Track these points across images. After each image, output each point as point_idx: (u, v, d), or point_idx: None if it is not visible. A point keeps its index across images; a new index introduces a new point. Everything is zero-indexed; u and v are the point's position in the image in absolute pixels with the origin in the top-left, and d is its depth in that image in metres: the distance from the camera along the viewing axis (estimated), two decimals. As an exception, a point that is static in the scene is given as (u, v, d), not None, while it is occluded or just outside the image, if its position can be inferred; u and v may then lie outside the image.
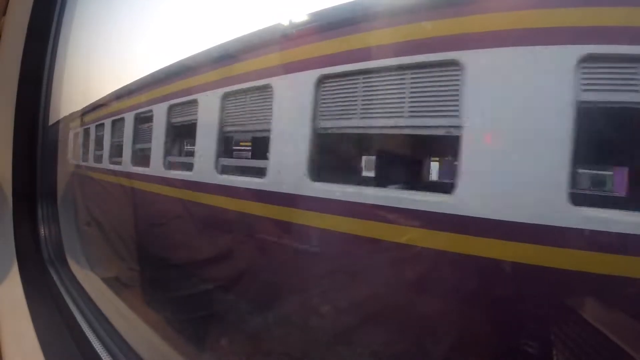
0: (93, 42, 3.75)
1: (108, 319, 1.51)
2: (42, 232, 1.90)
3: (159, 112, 4.37)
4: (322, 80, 2.64)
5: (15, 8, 1.56)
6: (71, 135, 6.42)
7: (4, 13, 1.57)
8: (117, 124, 5.53)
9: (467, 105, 2.02)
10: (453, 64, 2.09)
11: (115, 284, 3.01)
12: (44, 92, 1.80)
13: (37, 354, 1.14)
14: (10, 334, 1.27)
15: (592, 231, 1.67)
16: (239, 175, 3.30)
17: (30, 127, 1.76)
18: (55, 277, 1.76)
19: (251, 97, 3.24)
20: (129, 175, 4.87)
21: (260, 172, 3.02)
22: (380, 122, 2.44)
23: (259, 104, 3.15)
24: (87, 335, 1.31)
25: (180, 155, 4.49)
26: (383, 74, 2.40)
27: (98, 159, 6.03)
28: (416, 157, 4.48)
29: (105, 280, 2.63)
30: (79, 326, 1.37)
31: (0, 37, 1.59)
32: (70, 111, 5.62)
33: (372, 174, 4.12)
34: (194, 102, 3.82)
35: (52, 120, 2.01)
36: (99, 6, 3.82)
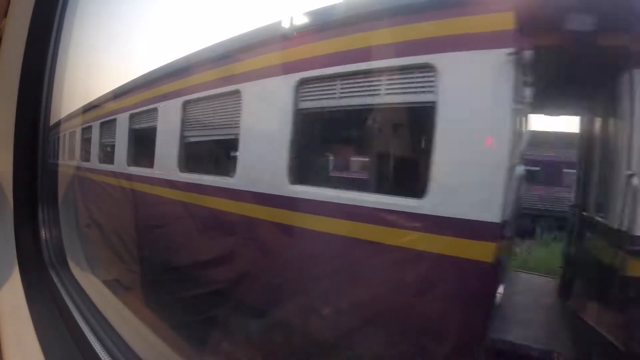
0: (94, 42, 3.74)
1: (109, 321, 1.51)
2: (43, 234, 1.89)
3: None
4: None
5: (17, 10, 1.56)
6: (72, 134, 6.37)
7: (5, 15, 1.57)
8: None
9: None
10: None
11: (116, 286, 3.01)
12: (45, 93, 1.80)
13: (38, 356, 1.13)
14: (11, 336, 1.27)
15: None
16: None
17: (31, 128, 1.76)
18: (56, 279, 1.76)
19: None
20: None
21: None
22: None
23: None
24: (88, 337, 1.30)
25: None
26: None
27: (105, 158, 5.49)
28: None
29: (106, 283, 2.62)
30: (80, 328, 1.36)
31: (1, 39, 1.59)
32: (72, 111, 5.53)
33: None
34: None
35: (53, 121, 2.01)
36: (100, 7, 3.82)
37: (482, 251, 1.90)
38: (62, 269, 1.89)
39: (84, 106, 5.52)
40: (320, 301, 2.36)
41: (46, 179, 2.02)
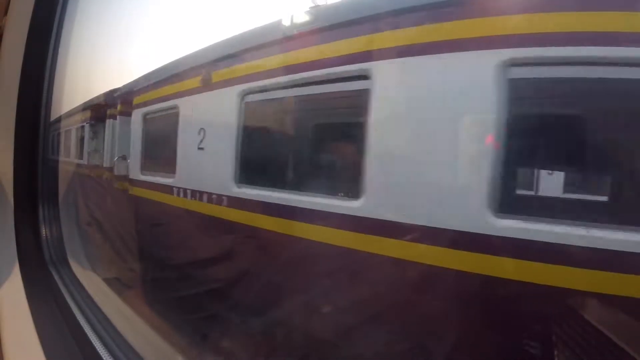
0: (94, 40, 3.73)
1: (109, 319, 1.51)
2: (44, 232, 1.90)
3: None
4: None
5: (17, 7, 1.56)
6: (72, 132, 6.57)
7: (6, 13, 1.57)
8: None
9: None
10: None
11: (117, 284, 3.01)
12: (45, 90, 1.80)
13: (39, 355, 1.13)
14: (12, 334, 1.27)
15: None
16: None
17: (31, 126, 1.75)
18: (56, 278, 1.76)
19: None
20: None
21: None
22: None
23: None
24: (89, 335, 1.31)
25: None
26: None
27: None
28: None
29: (107, 281, 2.63)
30: (81, 326, 1.37)
31: (2, 36, 1.58)
32: (72, 109, 5.73)
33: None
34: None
35: (53, 118, 2.01)
36: (100, 5, 3.81)
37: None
38: (63, 267, 1.89)
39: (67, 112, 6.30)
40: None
41: (46, 176, 2.02)
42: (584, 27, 1.49)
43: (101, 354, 1.20)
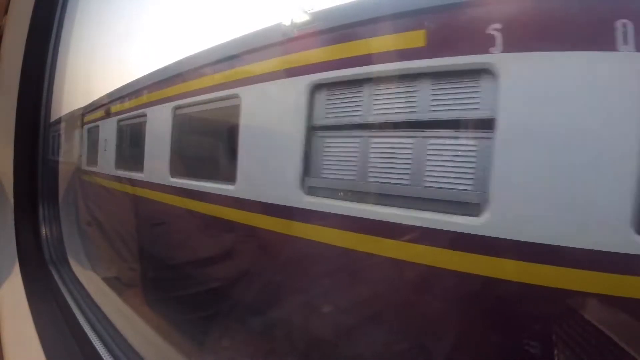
0: (94, 40, 3.75)
1: (109, 318, 1.51)
2: (44, 232, 1.90)
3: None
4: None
5: (17, 7, 1.56)
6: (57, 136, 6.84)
7: (6, 12, 1.57)
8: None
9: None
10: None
11: (117, 283, 3.01)
12: (45, 90, 1.80)
13: (39, 354, 1.14)
14: (12, 334, 1.27)
15: None
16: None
17: (31, 125, 1.76)
18: (56, 277, 1.76)
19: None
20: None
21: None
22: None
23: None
24: (89, 335, 1.31)
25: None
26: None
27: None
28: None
29: (107, 280, 2.63)
30: (81, 326, 1.37)
31: (2, 36, 1.58)
32: (72, 109, 5.83)
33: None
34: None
35: (53, 118, 2.01)
36: (100, 5, 3.82)
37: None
38: (63, 266, 1.90)
39: (85, 105, 7.04)
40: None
41: (46, 176, 2.02)
42: (194, 88, 3.52)
43: (101, 353, 1.21)
